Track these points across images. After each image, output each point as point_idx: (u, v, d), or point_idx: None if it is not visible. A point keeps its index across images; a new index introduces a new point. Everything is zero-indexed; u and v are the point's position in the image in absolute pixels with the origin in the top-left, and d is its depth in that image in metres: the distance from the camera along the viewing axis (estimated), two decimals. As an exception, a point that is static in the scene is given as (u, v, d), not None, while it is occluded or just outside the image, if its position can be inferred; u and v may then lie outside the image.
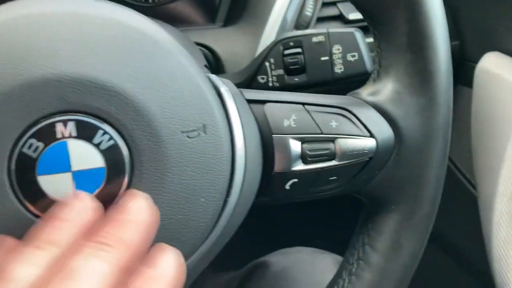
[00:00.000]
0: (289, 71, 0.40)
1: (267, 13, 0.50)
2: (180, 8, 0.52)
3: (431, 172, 0.30)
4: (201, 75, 0.26)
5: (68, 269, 0.20)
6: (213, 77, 0.28)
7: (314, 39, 0.39)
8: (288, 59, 0.40)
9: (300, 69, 0.40)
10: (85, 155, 0.24)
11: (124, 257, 0.21)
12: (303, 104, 0.30)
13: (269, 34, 0.50)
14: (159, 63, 0.25)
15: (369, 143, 0.30)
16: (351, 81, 0.39)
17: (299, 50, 0.39)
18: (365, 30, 0.40)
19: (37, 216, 0.24)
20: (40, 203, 0.23)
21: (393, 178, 0.30)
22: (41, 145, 0.23)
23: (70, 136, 0.23)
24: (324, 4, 0.52)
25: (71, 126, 0.23)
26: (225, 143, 0.26)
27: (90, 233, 0.21)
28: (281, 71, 0.40)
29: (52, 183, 0.23)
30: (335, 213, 0.74)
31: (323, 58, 0.39)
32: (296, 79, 0.40)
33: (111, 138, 0.24)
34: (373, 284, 0.32)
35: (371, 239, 0.32)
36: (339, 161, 0.29)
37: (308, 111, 0.29)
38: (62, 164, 0.23)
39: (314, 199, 0.32)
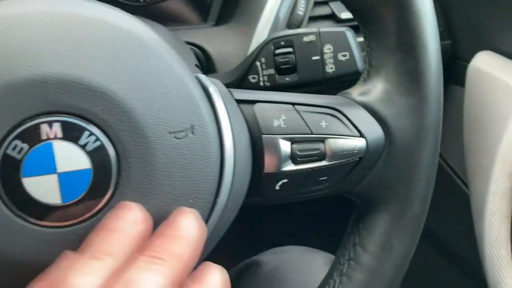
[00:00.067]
0: (280, 71, 0.40)
1: (259, 12, 0.50)
2: (172, 7, 0.52)
3: (422, 172, 0.30)
4: (189, 75, 0.26)
5: (126, 280, 0.21)
6: (202, 77, 0.28)
7: (305, 39, 0.39)
8: (279, 59, 0.39)
9: (291, 69, 0.39)
10: (70, 157, 0.23)
11: (176, 271, 0.22)
12: (293, 104, 0.29)
13: (261, 33, 0.49)
14: (146, 63, 0.24)
15: (359, 143, 0.29)
16: (343, 81, 0.39)
17: (290, 49, 0.39)
18: (357, 30, 0.40)
19: (22, 218, 0.23)
20: (25, 205, 0.23)
21: (383, 178, 0.30)
22: (25, 146, 0.23)
23: (55, 138, 0.23)
24: (316, 3, 0.52)
25: (56, 127, 0.23)
26: (213, 143, 0.26)
27: (144, 246, 0.23)
28: (272, 71, 0.40)
29: (37, 185, 0.23)
30: (328, 211, 0.74)
31: (314, 58, 0.39)
32: (287, 78, 0.40)
33: (97, 139, 0.24)
34: (364, 284, 0.31)
35: (362, 239, 0.32)
36: (329, 161, 0.29)
37: (298, 111, 0.29)
38: (47, 166, 0.23)
39: (305, 199, 0.31)
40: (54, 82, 0.23)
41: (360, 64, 0.39)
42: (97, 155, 0.24)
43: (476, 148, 0.51)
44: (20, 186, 0.23)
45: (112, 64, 0.24)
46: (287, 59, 0.39)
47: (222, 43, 0.49)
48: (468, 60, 0.52)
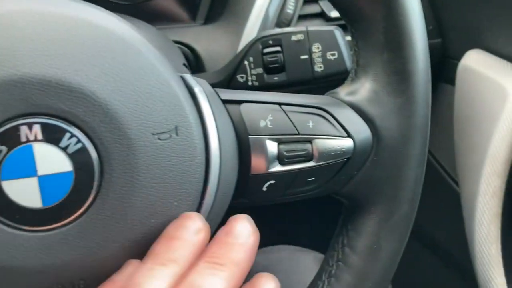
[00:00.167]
0: (268, 70, 0.39)
1: (248, 11, 0.49)
2: (161, 6, 0.51)
3: (410, 172, 0.30)
4: (173, 75, 0.25)
5: (193, 285, 0.23)
6: (187, 76, 0.27)
7: (294, 38, 0.38)
8: (268, 58, 0.39)
9: (279, 68, 0.39)
10: (51, 159, 0.23)
11: (235, 276, 0.24)
12: (280, 104, 0.29)
13: (250, 32, 0.49)
14: (128, 63, 0.24)
15: (346, 143, 0.29)
16: (332, 80, 0.39)
17: (278, 48, 0.39)
18: (346, 28, 0.39)
19: (1, 222, 0.23)
20: (5, 209, 0.23)
21: (371, 178, 0.30)
22: (4, 149, 0.22)
23: (35, 140, 0.23)
24: (306, 2, 0.52)
25: (36, 129, 0.23)
26: (198, 145, 0.25)
27: (204, 253, 0.24)
28: (260, 70, 0.39)
29: (17, 188, 0.23)
30: (319, 209, 0.73)
31: (302, 57, 0.39)
32: (276, 78, 0.39)
33: (78, 141, 0.23)
34: (352, 286, 0.31)
35: (351, 240, 0.32)
36: (316, 162, 0.29)
37: (284, 111, 0.29)
38: (27, 169, 0.23)
39: (293, 200, 0.31)
40: (33, 83, 0.22)
41: (349, 63, 0.39)
42: (78, 157, 0.23)
43: (466, 146, 0.51)
44: None
45: (93, 64, 0.23)
46: (275, 58, 0.39)
47: (211, 42, 0.49)
48: (458, 58, 0.52)
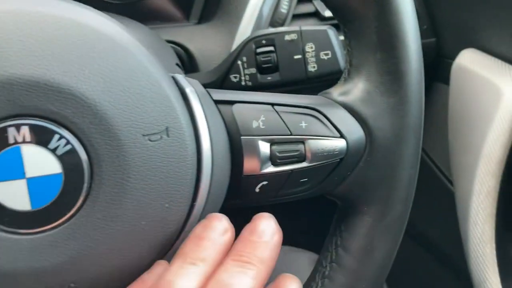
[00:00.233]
0: (261, 70, 0.39)
1: (242, 10, 0.49)
2: (155, 5, 0.51)
3: (403, 172, 0.30)
4: (164, 75, 0.25)
5: (222, 283, 0.24)
6: (179, 77, 0.27)
7: (287, 37, 0.38)
8: (261, 58, 0.39)
9: (273, 68, 0.39)
10: (40, 161, 0.23)
11: (262, 274, 0.25)
12: (272, 104, 0.29)
13: (244, 32, 0.49)
14: (118, 64, 0.24)
15: (339, 144, 0.29)
16: (325, 80, 0.39)
17: (271, 48, 0.39)
18: (340, 28, 0.39)
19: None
20: (-7, 211, 0.22)
21: (364, 179, 0.30)
22: None
23: (23, 141, 0.22)
24: (300, 1, 0.52)
25: (24, 131, 0.22)
26: (189, 146, 0.25)
27: (231, 252, 0.25)
28: (253, 70, 0.39)
29: (5, 191, 0.22)
30: (314, 208, 0.73)
31: (296, 57, 0.38)
32: (269, 78, 0.39)
33: (68, 142, 0.23)
34: (346, 286, 0.31)
35: (344, 241, 0.31)
36: (309, 162, 0.29)
37: (277, 112, 0.29)
38: (15, 171, 0.22)
39: (286, 201, 0.31)
40: (21, 84, 0.22)
41: (342, 63, 0.39)
42: (68, 159, 0.23)
43: (460, 146, 0.51)
44: None
45: (82, 65, 0.23)
46: (268, 58, 0.39)
47: (204, 41, 0.49)
48: (452, 57, 0.52)
